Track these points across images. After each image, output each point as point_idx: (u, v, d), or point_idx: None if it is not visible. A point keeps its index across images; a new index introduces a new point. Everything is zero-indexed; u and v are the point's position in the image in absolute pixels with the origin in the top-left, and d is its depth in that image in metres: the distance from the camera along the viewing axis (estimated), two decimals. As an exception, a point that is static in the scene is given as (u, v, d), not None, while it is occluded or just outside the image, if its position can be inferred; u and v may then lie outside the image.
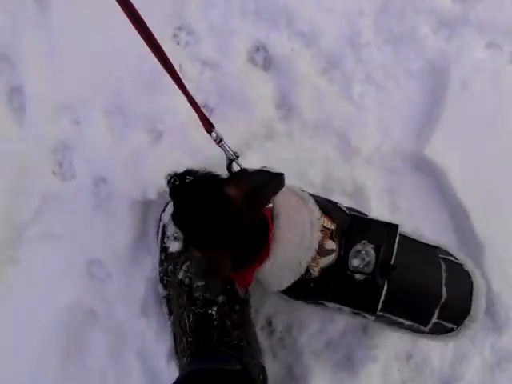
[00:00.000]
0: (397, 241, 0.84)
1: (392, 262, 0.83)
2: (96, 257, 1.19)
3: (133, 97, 1.21)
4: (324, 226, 0.84)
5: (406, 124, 1.25)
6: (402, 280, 0.85)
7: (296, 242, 0.81)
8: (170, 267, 1.08)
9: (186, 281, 1.05)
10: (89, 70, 1.23)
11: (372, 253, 0.83)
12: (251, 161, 1.20)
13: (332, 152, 1.25)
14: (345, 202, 1.01)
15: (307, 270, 0.83)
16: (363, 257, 0.83)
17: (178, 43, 1.26)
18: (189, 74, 1.24)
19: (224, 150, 0.90)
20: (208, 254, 0.77)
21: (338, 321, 1.20)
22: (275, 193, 0.79)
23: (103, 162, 1.21)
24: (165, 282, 1.11)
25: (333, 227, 0.85)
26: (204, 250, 0.78)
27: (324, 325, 1.19)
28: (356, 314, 0.91)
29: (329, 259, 0.83)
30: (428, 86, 1.26)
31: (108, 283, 1.18)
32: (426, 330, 0.90)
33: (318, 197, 0.92)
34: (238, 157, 0.90)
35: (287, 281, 0.85)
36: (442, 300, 0.86)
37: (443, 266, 0.90)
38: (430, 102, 1.26)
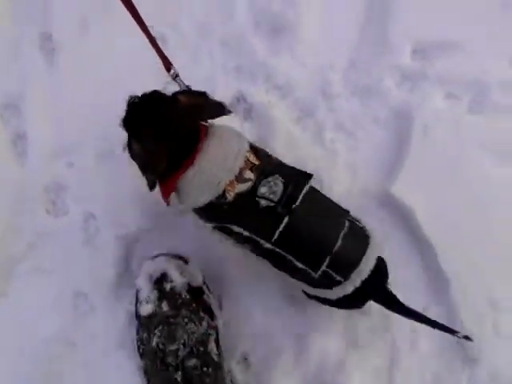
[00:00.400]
0: (307, 185, 0.95)
1: (297, 203, 0.92)
2: (82, 290, 1.26)
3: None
4: (248, 159, 0.94)
5: (374, 167, 1.35)
6: (302, 219, 0.93)
7: (220, 161, 0.91)
8: (145, 335, 1.11)
9: (160, 346, 1.07)
10: (85, 118, 1.35)
11: (280, 185, 0.92)
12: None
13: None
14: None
15: (224, 194, 0.91)
16: (271, 186, 0.92)
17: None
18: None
19: (179, 83, 1.04)
20: (148, 148, 0.89)
21: (313, 354, 1.23)
22: (217, 115, 0.96)
23: (93, 200, 1.31)
24: (141, 350, 1.13)
25: (256, 163, 0.95)
26: (145, 142, 0.90)
27: (299, 357, 1.23)
28: (255, 249, 0.98)
29: (244, 186, 0.92)
30: (393, 132, 1.38)
31: (91, 316, 1.24)
32: (316, 276, 0.94)
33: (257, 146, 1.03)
34: (190, 89, 1.04)
35: (204, 198, 0.92)
36: (335, 248, 0.93)
37: (347, 223, 0.97)
38: (395, 148, 1.36)
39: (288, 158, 1.34)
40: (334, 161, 1.35)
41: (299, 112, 1.40)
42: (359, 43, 1.45)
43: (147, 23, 1.31)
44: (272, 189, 0.92)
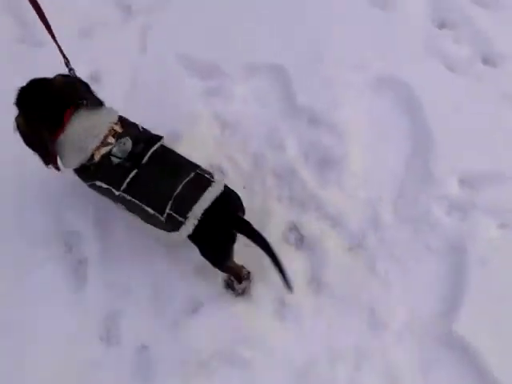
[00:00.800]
0: (156, 145, 1.18)
1: (146, 159, 1.15)
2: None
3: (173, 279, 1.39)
4: (113, 128, 1.17)
5: (432, 301, 1.32)
6: (150, 172, 1.15)
7: (88, 129, 1.15)
8: None
9: None
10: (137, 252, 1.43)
11: (129, 145, 1.16)
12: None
13: (361, 327, 1.31)
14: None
15: (92, 156, 1.15)
16: (121, 145, 1.15)
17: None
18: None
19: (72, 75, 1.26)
20: (29, 116, 1.14)
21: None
22: (87, 98, 1.18)
23: (147, 330, 1.32)
24: None
25: (119, 131, 1.18)
26: (27, 113, 1.14)
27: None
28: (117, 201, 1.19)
29: (106, 149, 1.15)
30: (448, 264, 1.37)
31: None
32: (163, 219, 1.13)
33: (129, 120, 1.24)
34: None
35: (77, 160, 1.16)
36: (175, 193, 1.12)
37: (192, 174, 1.16)
38: (452, 279, 1.34)
39: (341, 288, 1.36)
40: (389, 292, 1.34)
41: (351, 241, 1.42)
42: (406, 174, 1.52)
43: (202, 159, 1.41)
44: (121, 148, 1.15)
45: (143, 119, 1.57)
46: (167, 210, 1.12)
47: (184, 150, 1.59)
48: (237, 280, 1.35)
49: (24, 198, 1.53)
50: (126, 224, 1.47)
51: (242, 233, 1.19)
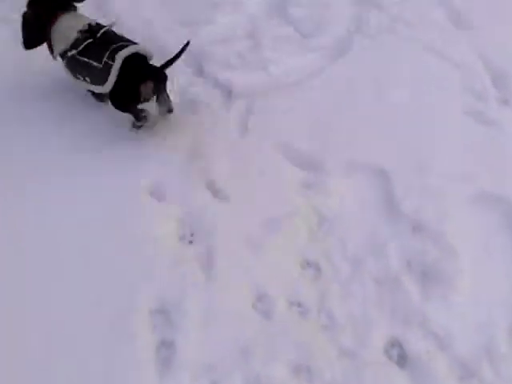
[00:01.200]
0: (109, 27, 1.77)
1: (99, 34, 1.70)
2: None
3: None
4: (88, 24, 1.75)
5: None
6: (99, 40, 1.71)
7: (73, 23, 1.75)
8: None
9: None
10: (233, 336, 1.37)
11: (86, 26, 1.74)
12: None
13: None
14: None
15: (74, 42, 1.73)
16: (84, 25, 1.74)
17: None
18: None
19: None
20: (34, 9, 1.77)
21: None
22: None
23: None
24: None
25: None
26: (33, 7, 1.78)
27: None
28: (76, 65, 1.76)
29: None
30: None
31: None
32: (101, 66, 1.66)
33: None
34: None
35: (63, 47, 1.75)
36: (112, 47, 1.66)
37: (129, 43, 1.72)
38: None
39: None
40: None
41: (462, 369, 1.29)
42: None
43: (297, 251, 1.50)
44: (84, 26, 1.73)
45: (240, 200, 1.63)
46: (104, 59, 1.64)
47: (278, 239, 1.60)
48: (136, 119, 1.81)
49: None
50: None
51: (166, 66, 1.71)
